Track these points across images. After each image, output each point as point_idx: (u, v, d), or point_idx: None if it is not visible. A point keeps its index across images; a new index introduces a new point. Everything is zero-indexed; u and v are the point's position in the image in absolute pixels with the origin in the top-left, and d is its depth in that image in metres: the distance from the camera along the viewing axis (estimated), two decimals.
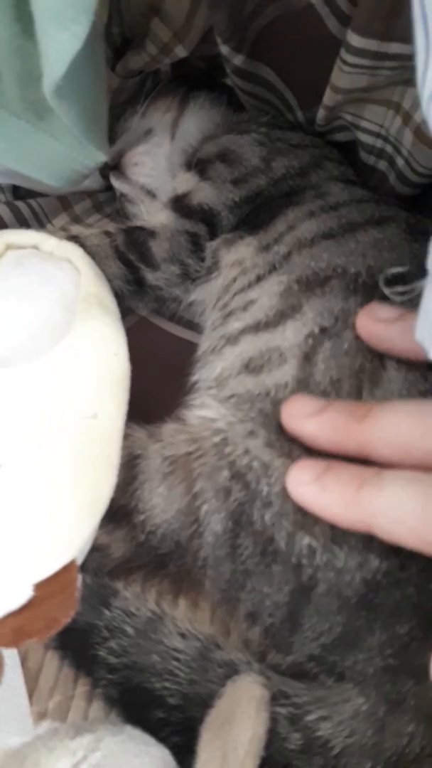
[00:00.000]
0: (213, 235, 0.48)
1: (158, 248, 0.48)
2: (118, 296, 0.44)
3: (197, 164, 0.50)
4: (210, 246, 0.48)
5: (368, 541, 0.33)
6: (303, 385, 0.37)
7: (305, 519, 0.34)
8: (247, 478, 0.36)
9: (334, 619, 0.34)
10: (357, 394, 0.36)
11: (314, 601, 0.34)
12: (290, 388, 0.38)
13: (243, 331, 0.42)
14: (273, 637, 0.36)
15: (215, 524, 0.36)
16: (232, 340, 0.42)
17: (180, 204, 0.49)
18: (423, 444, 0.30)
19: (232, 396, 0.40)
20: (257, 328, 0.41)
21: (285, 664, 0.36)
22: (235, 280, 0.46)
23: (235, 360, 0.41)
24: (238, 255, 0.46)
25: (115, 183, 0.57)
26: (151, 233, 0.48)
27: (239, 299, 0.44)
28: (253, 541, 0.35)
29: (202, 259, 0.48)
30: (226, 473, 0.36)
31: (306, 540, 0.34)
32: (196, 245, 0.48)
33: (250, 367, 0.40)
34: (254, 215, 0.47)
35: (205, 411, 0.40)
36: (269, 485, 0.35)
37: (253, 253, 0.45)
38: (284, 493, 0.34)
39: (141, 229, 0.49)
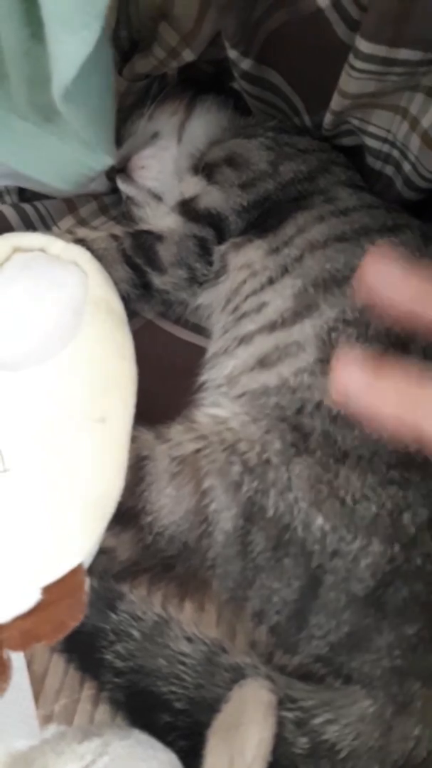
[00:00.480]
0: (221, 239, 0.48)
1: (166, 252, 0.48)
2: (125, 300, 0.44)
3: (204, 168, 0.50)
4: (218, 250, 0.48)
5: (373, 526, 0.33)
6: (324, 364, 0.38)
7: (318, 496, 0.34)
8: (261, 470, 0.36)
9: (341, 617, 0.34)
10: None
11: (322, 596, 0.34)
12: (310, 371, 0.38)
13: (257, 332, 0.42)
14: (279, 636, 0.36)
15: (225, 523, 0.36)
16: (246, 340, 0.42)
17: (187, 208, 0.49)
18: None
19: (244, 393, 0.40)
20: (272, 328, 0.42)
21: (291, 665, 0.36)
22: (244, 282, 0.46)
23: (249, 358, 0.41)
24: (247, 258, 0.46)
25: (122, 186, 0.57)
26: (159, 237, 0.48)
27: (251, 302, 0.44)
28: (265, 536, 0.35)
29: (210, 263, 0.48)
30: (237, 468, 0.36)
31: (319, 521, 0.34)
32: (204, 249, 0.48)
33: (265, 362, 0.40)
34: (263, 219, 0.47)
35: (216, 409, 0.40)
36: (288, 471, 0.35)
37: (262, 256, 0.45)
38: (302, 478, 0.35)
39: (148, 233, 0.49)
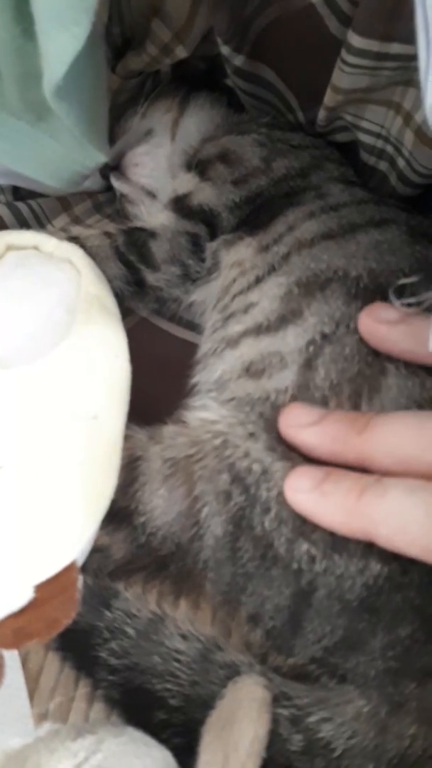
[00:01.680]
0: (213, 235, 0.48)
1: (158, 249, 0.48)
2: (118, 297, 0.44)
3: (198, 165, 0.50)
4: (210, 247, 0.48)
5: (368, 547, 0.33)
6: (303, 389, 0.37)
7: (304, 526, 0.34)
8: (247, 482, 0.36)
9: (335, 622, 0.34)
10: (356, 399, 0.36)
11: (315, 604, 0.34)
12: (290, 393, 0.38)
13: (243, 334, 0.42)
14: (274, 639, 0.36)
15: (216, 527, 0.36)
16: (232, 343, 0.42)
17: (180, 205, 0.49)
18: (424, 457, 0.30)
19: (232, 399, 0.40)
20: (258, 331, 0.41)
21: (286, 666, 0.36)
22: (234, 281, 0.45)
23: (236, 363, 0.41)
24: (238, 256, 0.46)
25: (116, 183, 0.57)
26: (152, 234, 0.48)
27: (239, 301, 0.44)
28: (253, 545, 0.35)
29: (203, 260, 0.48)
30: (226, 476, 0.36)
31: (305, 547, 0.34)
32: (197, 246, 0.48)
33: (251, 371, 0.40)
34: (254, 216, 0.47)
35: (206, 413, 0.39)
36: (268, 490, 0.35)
37: (252, 254, 0.45)
38: (283, 499, 0.34)
39: (141, 230, 0.49)
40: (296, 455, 0.35)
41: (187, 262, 0.48)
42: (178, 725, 0.34)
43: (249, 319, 0.42)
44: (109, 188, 0.59)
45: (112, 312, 0.40)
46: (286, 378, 0.38)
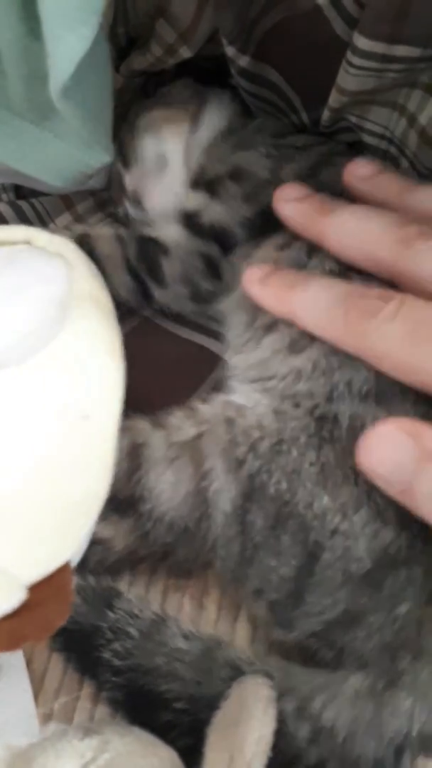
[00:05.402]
0: (226, 252, 0.47)
1: (170, 267, 0.47)
2: (122, 303, 0.44)
3: (207, 184, 0.49)
4: (226, 262, 0.47)
5: (381, 511, 0.33)
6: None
7: (331, 479, 0.35)
8: (270, 455, 0.36)
9: (336, 595, 0.34)
10: None
11: (318, 573, 0.34)
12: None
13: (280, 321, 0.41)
14: (277, 612, 0.37)
15: (225, 503, 0.36)
16: (269, 328, 0.42)
17: (191, 222, 0.48)
18: (361, 247, 0.37)
19: (271, 379, 0.40)
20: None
21: (288, 643, 0.37)
22: None
23: (275, 343, 0.41)
24: (256, 261, 0.45)
25: (131, 212, 0.55)
26: (165, 250, 0.47)
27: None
28: (264, 514, 0.35)
29: (219, 279, 0.47)
30: (243, 448, 0.37)
31: (325, 500, 0.34)
32: (211, 266, 0.47)
33: (294, 348, 0.40)
34: (267, 222, 0.46)
35: (233, 396, 0.40)
36: (303, 458, 0.36)
37: (273, 256, 0.44)
38: (317, 464, 0.35)
39: (155, 242, 0.48)
40: (338, 435, 0.36)
41: (200, 283, 0.47)
42: (183, 726, 0.34)
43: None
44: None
45: (106, 308, 0.39)
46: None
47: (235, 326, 0.45)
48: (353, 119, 0.48)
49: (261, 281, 0.39)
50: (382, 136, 0.48)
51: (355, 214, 0.38)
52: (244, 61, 0.48)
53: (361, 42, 0.38)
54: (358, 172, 0.42)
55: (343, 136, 0.51)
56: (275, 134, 0.51)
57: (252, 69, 0.49)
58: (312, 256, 0.42)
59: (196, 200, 0.49)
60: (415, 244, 0.35)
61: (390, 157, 0.49)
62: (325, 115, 0.48)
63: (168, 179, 0.53)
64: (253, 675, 0.35)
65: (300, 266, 0.42)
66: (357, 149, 0.51)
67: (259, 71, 0.49)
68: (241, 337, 0.44)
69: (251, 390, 0.40)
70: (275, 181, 0.46)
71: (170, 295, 0.48)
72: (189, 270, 0.47)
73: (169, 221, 0.49)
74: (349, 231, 0.38)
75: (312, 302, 0.37)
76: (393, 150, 0.48)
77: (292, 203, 0.41)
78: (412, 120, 0.44)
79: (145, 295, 0.48)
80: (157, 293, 0.47)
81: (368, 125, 0.48)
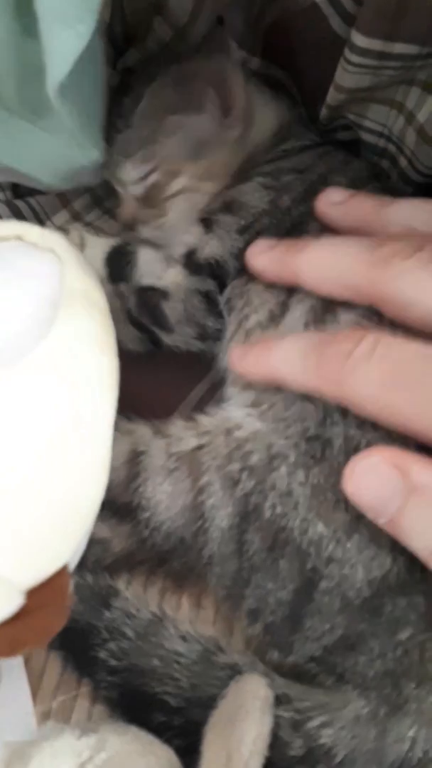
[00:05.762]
0: (222, 286, 0.46)
1: (172, 311, 0.46)
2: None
3: (203, 220, 0.48)
4: (222, 297, 0.46)
5: (374, 537, 0.33)
6: None
7: (321, 506, 0.34)
8: (263, 472, 0.36)
9: (335, 620, 0.34)
10: None
11: (317, 599, 0.34)
12: None
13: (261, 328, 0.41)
14: (273, 635, 0.36)
15: (221, 520, 0.36)
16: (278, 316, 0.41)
17: (189, 260, 0.47)
18: (337, 278, 0.37)
19: (262, 400, 0.39)
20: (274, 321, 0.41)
21: (286, 665, 0.36)
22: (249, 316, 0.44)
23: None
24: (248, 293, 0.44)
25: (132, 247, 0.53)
26: (164, 294, 0.46)
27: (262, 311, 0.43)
28: (260, 536, 0.35)
29: (221, 315, 0.46)
30: (237, 465, 0.36)
31: (319, 527, 0.34)
32: (211, 303, 0.46)
33: None
34: None
35: (229, 409, 0.40)
36: (294, 478, 0.35)
37: (263, 288, 0.43)
38: (309, 486, 0.35)
39: (153, 289, 0.47)
40: (329, 454, 0.35)
41: (204, 322, 0.46)
42: (177, 727, 0.34)
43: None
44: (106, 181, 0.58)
45: (99, 305, 0.38)
46: None
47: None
48: (351, 117, 0.48)
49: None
50: (380, 134, 0.48)
51: (325, 246, 0.38)
52: (254, 63, 0.48)
53: (359, 39, 0.38)
54: (331, 198, 0.42)
55: (341, 133, 0.51)
56: (277, 160, 0.49)
57: (263, 71, 0.48)
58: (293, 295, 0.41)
59: (192, 236, 0.48)
60: (391, 266, 0.33)
61: (388, 155, 0.49)
62: (323, 112, 0.48)
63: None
64: (251, 674, 0.35)
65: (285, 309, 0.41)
66: (355, 152, 0.50)
67: (267, 71, 0.48)
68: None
69: (243, 405, 0.40)
70: (272, 212, 0.45)
71: (178, 338, 0.46)
72: (191, 310, 0.46)
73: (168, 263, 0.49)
74: (322, 264, 0.37)
75: (286, 358, 0.36)
76: (391, 147, 0.48)
77: (260, 256, 0.41)
78: (410, 117, 0.44)
79: (154, 342, 0.47)
80: (167, 339, 0.46)
81: (366, 123, 0.47)
